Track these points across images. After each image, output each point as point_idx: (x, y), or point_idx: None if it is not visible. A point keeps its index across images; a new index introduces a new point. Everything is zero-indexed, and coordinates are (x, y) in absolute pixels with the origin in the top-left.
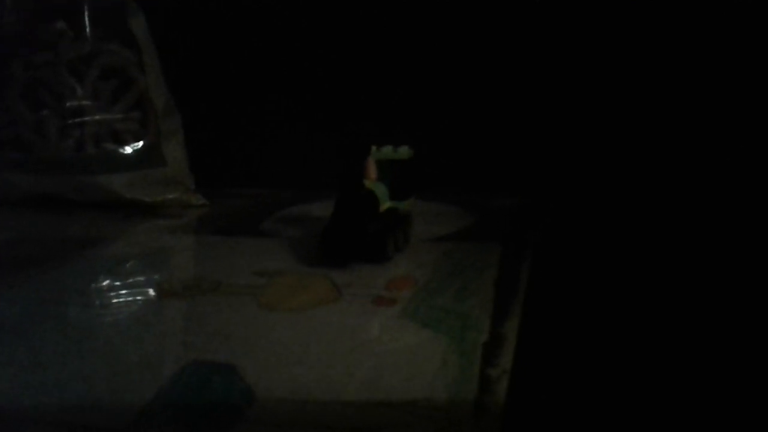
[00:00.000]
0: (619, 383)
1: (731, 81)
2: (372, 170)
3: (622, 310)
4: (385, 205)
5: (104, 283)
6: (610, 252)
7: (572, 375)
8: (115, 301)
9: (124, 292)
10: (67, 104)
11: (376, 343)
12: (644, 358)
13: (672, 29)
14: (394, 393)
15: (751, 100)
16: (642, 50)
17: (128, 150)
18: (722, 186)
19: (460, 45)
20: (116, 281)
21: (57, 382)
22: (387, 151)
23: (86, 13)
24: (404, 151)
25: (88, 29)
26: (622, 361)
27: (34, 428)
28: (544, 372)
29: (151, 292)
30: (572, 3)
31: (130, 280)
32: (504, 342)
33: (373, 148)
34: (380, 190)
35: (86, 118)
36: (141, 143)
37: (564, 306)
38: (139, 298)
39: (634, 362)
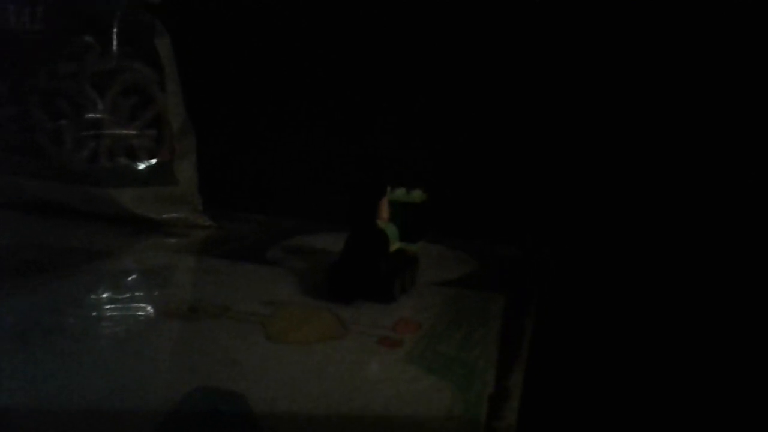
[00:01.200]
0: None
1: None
2: (385, 210)
3: (627, 366)
4: (395, 245)
5: (107, 297)
6: (615, 305)
7: (578, 428)
8: (117, 316)
9: (127, 308)
10: (86, 116)
11: (382, 384)
12: (652, 413)
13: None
14: None
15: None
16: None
17: (141, 166)
18: (728, 231)
19: (477, 97)
20: (120, 296)
21: (55, 396)
22: (400, 193)
23: (115, 30)
24: (417, 195)
25: (115, 45)
26: (629, 408)
27: None
28: (550, 426)
29: (155, 310)
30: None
31: (134, 297)
32: (509, 395)
33: (389, 188)
34: (391, 230)
35: (103, 131)
36: (154, 160)
37: (569, 360)
38: (141, 315)
39: (642, 417)
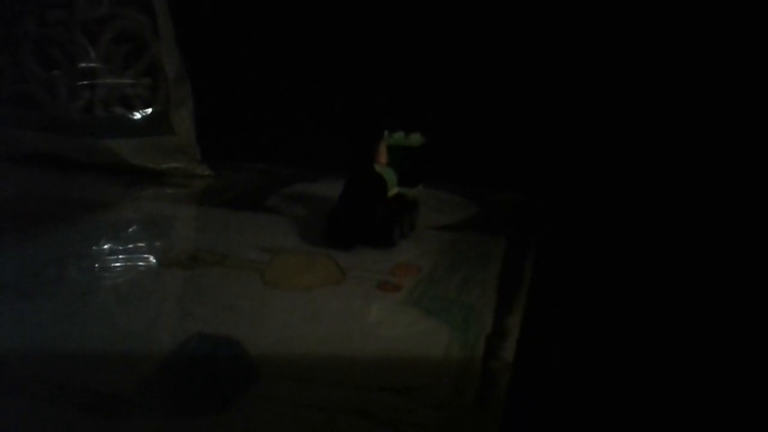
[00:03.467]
0: (622, 378)
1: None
2: (383, 155)
3: (625, 304)
4: (393, 190)
5: (107, 248)
6: (614, 247)
7: (575, 369)
8: (117, 266)
9: (126, 257)
10: (79, 65)
11: (380, 327)
12: (647, 353)
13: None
14: (399, 379)
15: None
16: (648, 49)
17: (137, 116)
18: (727, 177)
19: (478, 39)
20: (119, 246)
21: (57, 342)
22: (398, 137)
23: None
24: (416, 138)
25: None
26: (625, 355)
27: (34, 387)
28: (546, 366)
29: (154, 260)
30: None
31: (133, 247)
32: (507, 335)
33: (385, 133)
34: (389, 175)
35: (97, 81)
36: (150, 110)
37: (567, 301)
38: (141, 264)
39: (637, 357)
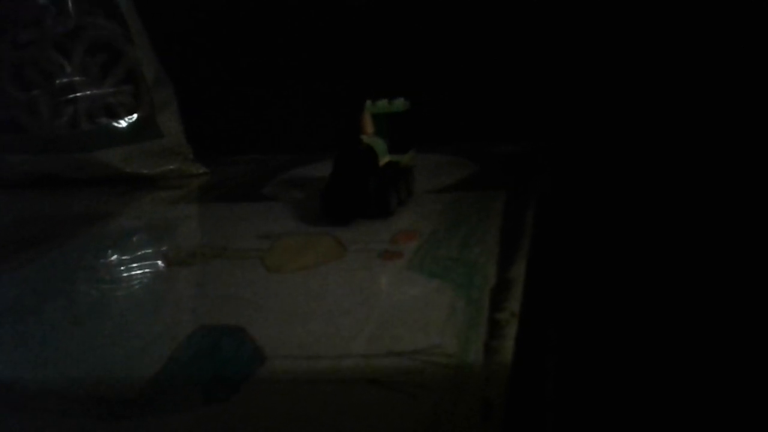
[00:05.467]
0: (625, 326)
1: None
2: (368, 125)
3: (627, 254)
4: (385, 159)
5: (110, 257)
6: (615, 196)
7: (579, 317)
8: (121, 273)
9: (129, 264)
10: (57, 82)
11: (384, 295)
12: (649, 301)
13: None
14: (404, 342)
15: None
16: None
17: (123, 123)
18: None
19: None
20: (121, 254)
21: (68, 356)
22: (382, 104)
23: None
24: (400, 104)
25: (70, 3)
26: (627, 304)
27: (46, 403)
28: (552, 315)
29: (157, 262)
30: None
31: (136, 253)
32: (511, 287)
33: (368, 102)
34: (378, 144)
35: (78, 94)
36: (135, 116)
37: (570, 250)
38: (145, 269)
39: (640, 304)
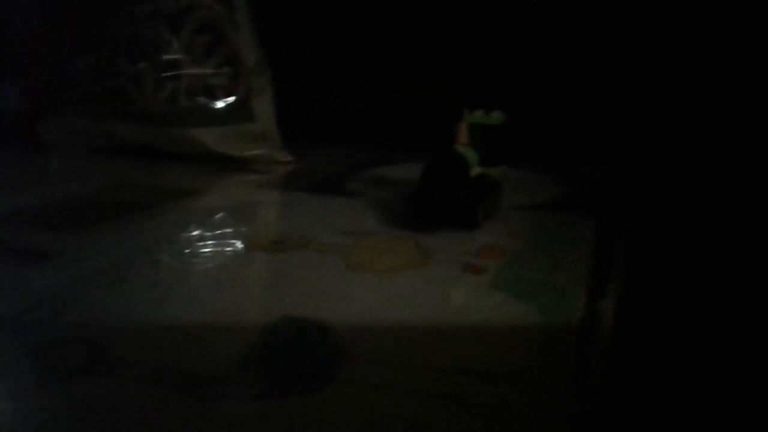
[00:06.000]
0: (722, 370)
1: None
2: (463, 134)
3: (726, 300)
4: (476, 170)
5: (196, 233)
6: (716, 235)
7: (673, 360)
8: (206, 251)
9: (215, 243)
10: (164, 57)
11: (467, 310)
12: (748, 350)
13: None
14: (488, 363)
15: None
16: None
17: (220, 104)
18: None
19: (554, 10)
20: (208, 232)
21: (151, 325)
22: (479, 115)
23: None
24: (497, 117)
25: None
26: (723, 348)
27: (131, 369)
28: (643, 354)
29: (241, 244)
30: None
31: (222, 232)
32: (600, 319)
33: (466, 111)
34: (471, 155)
35: (180, 72)
36: (232, 98)
37: (665, 288)
38: (228, 249)
39: (735, 353)
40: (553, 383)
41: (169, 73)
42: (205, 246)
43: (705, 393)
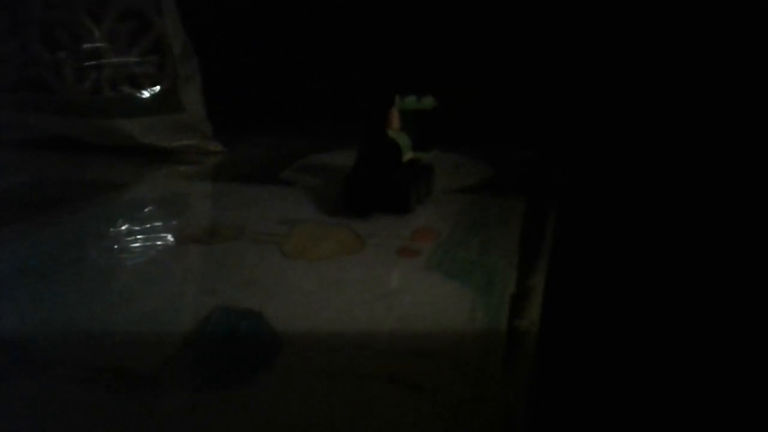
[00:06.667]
0: (646, 332)
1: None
2: (395, 120)
3: (651, 263)
4: (408, 155)
5: (125, 228)
6: (640, 204)
7: (600, 327)
8: (136, 245)
9: (145, 236)
10: (84, 46)
11: (403, 293)
12: (672, 312)
13: None
14: (424, 343)
15: None
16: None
17: (145, 94)
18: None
19: None
20: (137, 226)
21: (80, 323)
22: (410, 101)
23: None
24: (428, 102)
25: None
26: (646, 309)
27: (58, 369)
28: (572, 325)
29: (173, 237)
30: None
31: (152, 225)
32: (531, 295)
33: (397, 97)
34: (403, 140)
35: (103, 61)
36: (158, 88)
37: (592, 259)
38: (160, 242)
39: (662, 316)
40: (487, 357)
41: (91, 63)
42: (135, 240)
43: (630, 360)
